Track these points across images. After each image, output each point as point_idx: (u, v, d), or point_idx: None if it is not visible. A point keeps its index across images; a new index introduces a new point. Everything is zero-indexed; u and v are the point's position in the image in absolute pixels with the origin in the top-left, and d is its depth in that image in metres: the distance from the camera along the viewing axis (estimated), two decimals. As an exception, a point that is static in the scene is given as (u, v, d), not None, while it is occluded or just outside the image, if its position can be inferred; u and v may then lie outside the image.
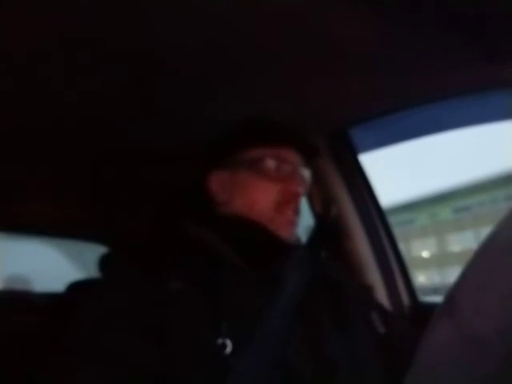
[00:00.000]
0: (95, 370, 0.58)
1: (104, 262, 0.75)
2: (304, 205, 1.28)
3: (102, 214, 1.56)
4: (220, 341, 0.61)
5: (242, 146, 0.81)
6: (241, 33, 0.80)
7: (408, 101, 1.07)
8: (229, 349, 0.61)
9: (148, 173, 1.32)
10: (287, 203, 0.78)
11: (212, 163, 0.83)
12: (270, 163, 0.78)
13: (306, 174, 0.84)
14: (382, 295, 1.19)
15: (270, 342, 0.65)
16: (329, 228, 1.16)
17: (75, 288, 0.83)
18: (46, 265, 1.87)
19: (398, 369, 0.71)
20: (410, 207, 18.62)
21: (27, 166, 1.22)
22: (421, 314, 1.15)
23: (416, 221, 19.80)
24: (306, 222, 1.28)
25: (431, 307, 1.15)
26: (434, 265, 19.04)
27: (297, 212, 0.80)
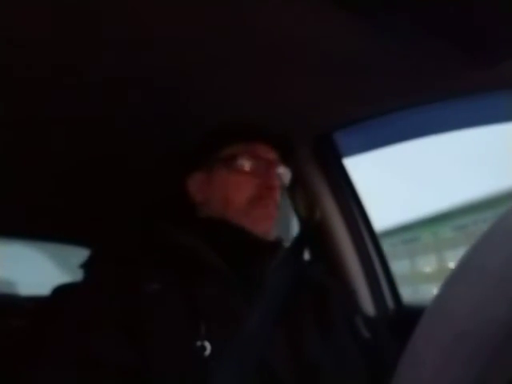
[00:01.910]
0: (75, 372, 0.56)
1: (86, 264, 0.74)
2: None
3: (88, 218, 1.53)
4: (199, 343, 0.59)
5: (217, 147, 0.81)
6: (225, 36, 0.78)
7: (394, 104, 1.04)
8: (208, 351, 0.59)
9: (135, 177, 1.29)
10: (262, 198, 0.77)
11: (190, 165, 0.83)
12: (244, 160, 0.78)
13: (282, 170, 0.83)
14: (366, 298, 1.15)
15: (250, 344, 0.62)
16: (312, 231, 1.14)
17: (60, 292, 0.82)
18: (32, 268, 1.86)
19: (381, 374, 0.65)
20: (415, 226, 18.92)
21: (12, 169, 1.20)
22: (405, 317, 1.10)
23: (420, 239, 20.04)
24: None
25: (415, 310, 1.12)
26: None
27: (274, 206, 0.78)
